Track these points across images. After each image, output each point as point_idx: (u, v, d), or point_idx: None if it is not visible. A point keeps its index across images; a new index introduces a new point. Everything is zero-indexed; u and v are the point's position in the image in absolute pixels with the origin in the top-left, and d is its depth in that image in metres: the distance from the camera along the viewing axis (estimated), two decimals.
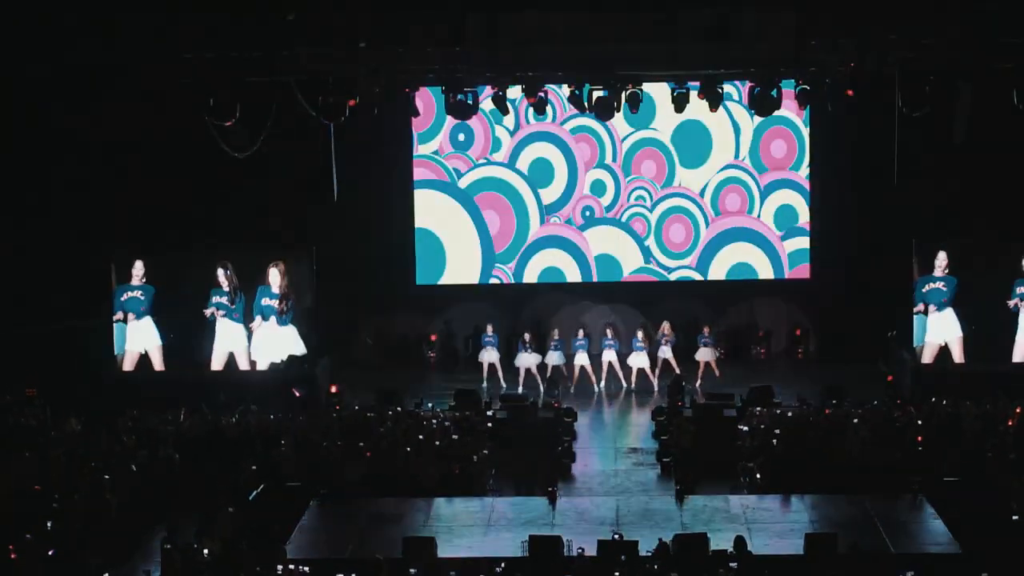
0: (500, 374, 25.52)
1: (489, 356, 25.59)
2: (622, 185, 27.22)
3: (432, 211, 27.31)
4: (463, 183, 27.30)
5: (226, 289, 23.94)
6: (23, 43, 21.20)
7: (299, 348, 24.00)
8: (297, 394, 22.57)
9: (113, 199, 24.28)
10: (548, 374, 25.42)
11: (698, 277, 27.39)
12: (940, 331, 23.80)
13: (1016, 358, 23.60)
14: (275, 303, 23.94)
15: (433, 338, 27.66)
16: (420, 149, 27.17)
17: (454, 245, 27.42)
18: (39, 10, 20.72)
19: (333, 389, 23.31)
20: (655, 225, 27.27)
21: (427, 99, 25.66)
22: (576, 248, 27.38)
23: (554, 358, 25.55)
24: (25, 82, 22.07)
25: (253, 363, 24.06)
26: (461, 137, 27.18)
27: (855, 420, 19.81)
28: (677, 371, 24.81)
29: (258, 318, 23.99)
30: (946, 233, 24.07)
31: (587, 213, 27.34)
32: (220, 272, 23.93)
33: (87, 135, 23.55)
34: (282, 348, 23.93)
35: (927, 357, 23.76)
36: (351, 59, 21.22)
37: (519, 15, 20.88)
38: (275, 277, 23.97)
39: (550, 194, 27.34)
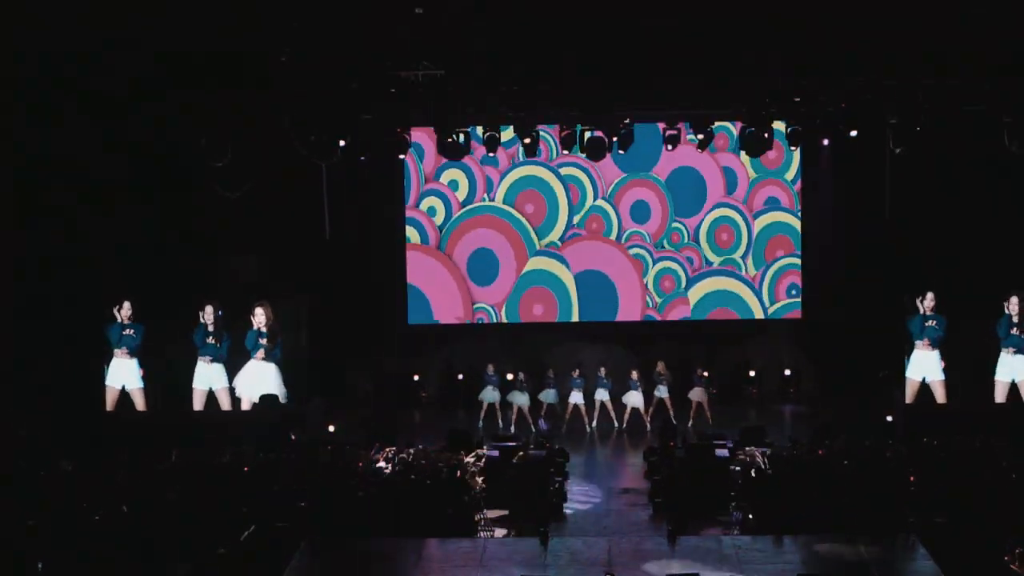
0: (499, 414, 25.55)
1: (489, 396, 25.63)
2: (614, 227, 27.27)
3: (423, 247, 27.31)
4: (457, 218, 27.35)
5: (211, 329, 23.89)
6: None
7: (279, 387, 23.99)
8: (293, 437, 22.49)
9: (102, 237, 24.23)
10: (542, 413, 25.42)
11: (690, 317, 27.40)
12: (921, 370, 23.81)
13: (999, 399, 23.62)
14: (264, 341, 23.89)
15: (416, 377, 27.59)
16: (423, 178, 27.24)
17: (446, 283, 27.41)
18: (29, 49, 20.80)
19: (331, 428, 23.32)
20: (649, 266, 27.29)
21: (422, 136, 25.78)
22: (567, 286, 27.40)
23: (548, 397, 25.58)
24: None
25: (237, 401, 24.02)
26: (453, 184, 27.30)
27: (845, 461, 19.77)
28: (671, 411, 24.84)
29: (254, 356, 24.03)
30: (936, 273, 24.06)
31: (580, 251, 27.38)
32: (208, 309, 23.89)
33: (77, 172, 23.55)
34: (265, 386, 23.90)
35: (908, 396, 23.76)
36: (343, 99, 21.29)
37: (511, 57, 20.97)
38: (260, 317, 23.90)
39: (542, 230, 27.38)
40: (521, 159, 26.55)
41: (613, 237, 27.28)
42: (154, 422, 23.56)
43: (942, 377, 23.73)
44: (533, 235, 27.36)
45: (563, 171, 27.23)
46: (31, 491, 18.74)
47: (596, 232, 27.30)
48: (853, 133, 22.15)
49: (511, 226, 27.33)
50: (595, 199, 27.25)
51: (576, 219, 27.30)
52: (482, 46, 20.51)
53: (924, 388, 23.82)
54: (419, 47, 20.56)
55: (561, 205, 27.26)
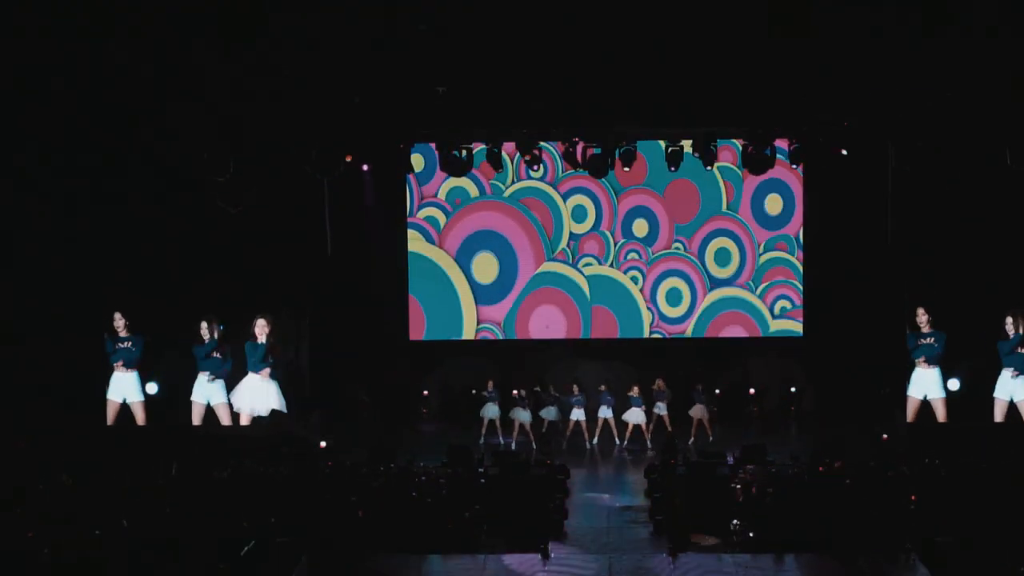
0: (499, 431, 25.54)
1: (489, 412, 25.61)
2: (614, 245, 27.28)
3: (426, 263, 27.31)
4: (457, 234, 27.34)
5: (207, 343, 23.89)
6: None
7: (279, 401, 23.98)
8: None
9: (104, 249, 24.19)
10: (543, 430, 25.40)
11: (692, 335, 27.40)
12: (923, 388, 23.80)
13: (998, 417, 23.59)
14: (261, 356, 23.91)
15: (425, 393, 27.64)
16: (422, 193, 27.24)
17: (447, 298, 27.42)
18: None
19: (323, 444, 23.28)
20: (649, 285, 27.31)
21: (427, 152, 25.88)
22: (570, 303, 27.40)
23: (550, 414, 25.56)
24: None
25: (236, 415, 23.99)
26: (455, 201, 27.32)
27: (840, 481, 19.75)
28: (670, 428, 24.82)
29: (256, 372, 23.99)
30: (936, 289, 24.04)
31: (581, 267, 27.38)
32: (204, 325, 23.86)
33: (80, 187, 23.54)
34: (266, 402, 23.87)
35: (909, 414, 23.75)
36: (345, 114, 21.32)
37: (513, 72, 20.99)
38: (261, 328, 23.89)
39: (544, 238, 27.42)
40: (523, 174, 26.67)
41: (614, 252, 27.27)
42: (154, 436, 23.52)
43: (943, 395, 23.72)
44: (532, 252, 27.37)
45: (565, 186, 27.24)
46: (30, 505, 18.72)
47: (597, 248, 27.31)
48: (853, 151, 22.21)
49: (510, 242, 27.33)
50: (597, 214, 27.26)
51: (578, 232, 27.31)
52: (485, 63, 20.54)
53: (925, 407, 23.82)
54: (423, 63, 20.58)
55: (563, 220, 27.27)
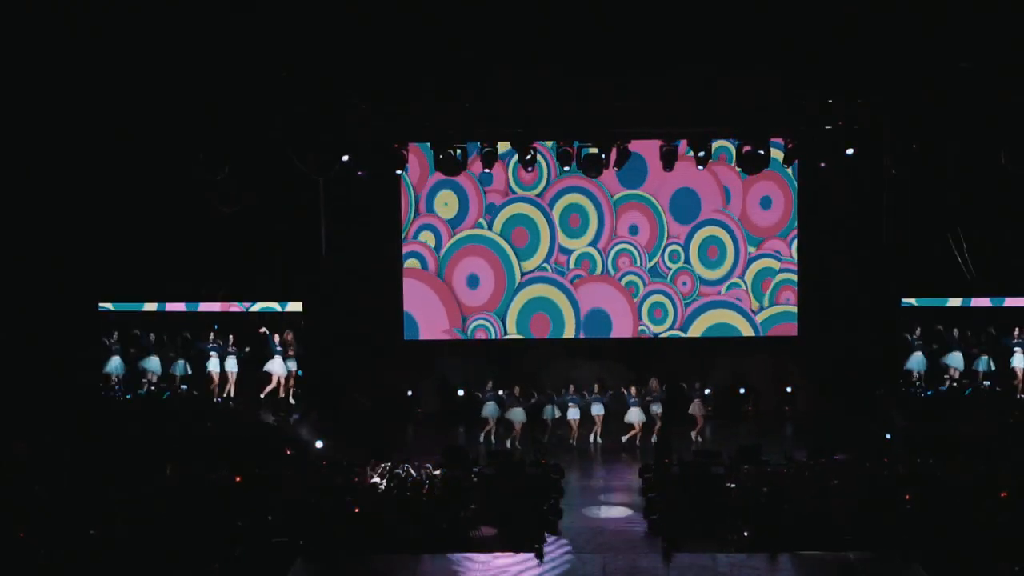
0: (494, 430, 25.53)
1: (489, 411, 25.59)
2: (608, 247, 27.31)
3: (421, 264, 27.32)
4: (452, 236, 27.35)
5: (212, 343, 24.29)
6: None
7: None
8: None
9: (101, 249, 24.24)
10: (541, 433, 25.38)
11: (686, 335, 27.39)
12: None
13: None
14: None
15: (410, 393, 27.56)
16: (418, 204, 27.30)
17: (443, 299, 27.41)
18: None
19: (318, 444, 23.31)
20: (643, 286, 27.30)
21: (421, 156, 25.84)
22: (564, 303, 27.42)
23: (547, 413, 25.55)
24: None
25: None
26: (447, 203, 27.32)
27: (835, 481, 19.76)
28: (665, 428, 24.80)
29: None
30: (932, 289, 24.09)
31: (575, 270, 27.39)
32: (211, 336, 24.41)
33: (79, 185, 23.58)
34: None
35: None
36: (341, 114, 21.33)
37: (510, 72, 21.00)
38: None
39: (533, 252, 27.44)
40: (515, 188, 26.72)
41: (607, 259, 27.29)
42: (151, 436, 23.55)
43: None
44: (520, 258, 27.42)
45: (560, 194, 27.23)
46: (28, 505, 18.72)
47: (591, 251, 27.33)
48: (849, 151, 22.23)
49: (504, 248, 27.32)
50: (588, 220, 27.26)
51: (572, 238, 27.32)
52: (481, 61, 20.57)
53: None
54: (416, 65, 20.60)
55: (555, 229, 27.27)
